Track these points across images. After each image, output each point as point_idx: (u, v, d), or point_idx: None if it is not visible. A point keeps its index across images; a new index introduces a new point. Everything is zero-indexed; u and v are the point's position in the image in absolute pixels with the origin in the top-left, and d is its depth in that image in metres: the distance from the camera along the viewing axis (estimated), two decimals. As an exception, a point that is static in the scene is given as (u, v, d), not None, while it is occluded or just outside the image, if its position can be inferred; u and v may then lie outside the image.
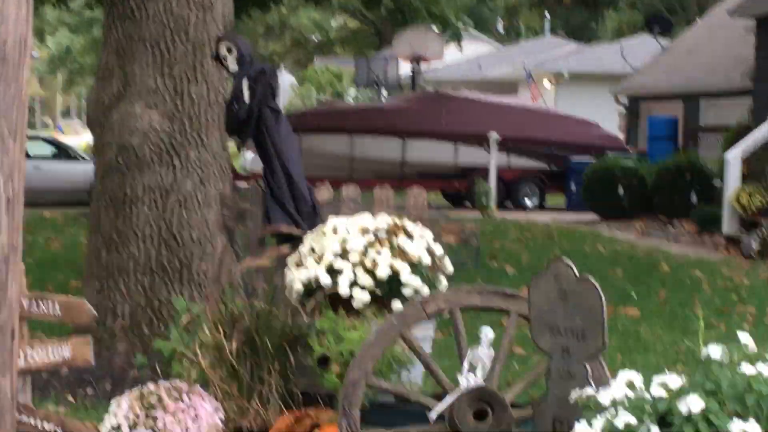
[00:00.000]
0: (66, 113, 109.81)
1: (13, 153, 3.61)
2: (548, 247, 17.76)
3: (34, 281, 12.09)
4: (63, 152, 28.15)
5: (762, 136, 18.31)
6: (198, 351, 5.89)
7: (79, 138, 54.96)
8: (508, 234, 20.00)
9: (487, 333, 5.33)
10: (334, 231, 6.08)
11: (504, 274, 14.00)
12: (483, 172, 27.39)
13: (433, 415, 5.20)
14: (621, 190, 23.82)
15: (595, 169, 24.65)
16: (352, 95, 52.75)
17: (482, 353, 5.29)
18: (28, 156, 27.13)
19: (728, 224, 18.25)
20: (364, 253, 5.93)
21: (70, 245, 16.34)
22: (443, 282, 6.21)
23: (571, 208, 27.08)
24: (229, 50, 7.29)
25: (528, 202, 28.81)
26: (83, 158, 27.40)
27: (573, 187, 27.26)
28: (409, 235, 6.11)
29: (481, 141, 27.58)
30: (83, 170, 24.81)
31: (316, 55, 58.35)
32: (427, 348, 5.90)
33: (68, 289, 11.00)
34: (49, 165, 27.10)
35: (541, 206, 28.72)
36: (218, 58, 7.43)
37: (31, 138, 30.18)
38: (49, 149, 28.68)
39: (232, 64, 7.26)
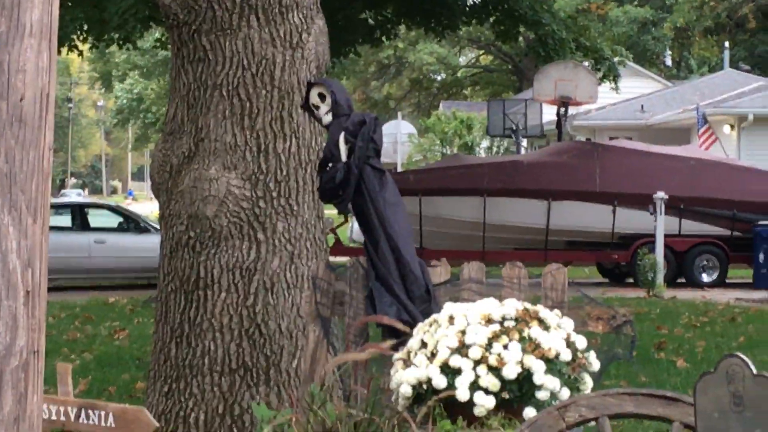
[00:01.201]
0: (138, 175, 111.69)
1: (33, 234, 3.57)
2: (731, 334, 17.51)
3: (93, 382, 12.30)
4: (132, 222, 28.49)
5: None
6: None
7: (154, 205, 55.82)
8: (679, 318, 19.78)
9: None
10: (451, 320, 6.04)
11: (674, 369, 13.84)
12: (648, 240, 27.20)
13: None
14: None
15: (789, 235, 24.43)
16: (484, 147, 52.88)
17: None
18: (89, 228, 27.69)
19: None
20: (488, 347, 5.88)
21: (138, 337, 16.51)
22: (588, 383, 6.13)
23: (759, 285, 26.72)
24: (322, 97, 7.31)
25: (705, 277, 28.50)
26: (156, 229, 27.72)
27: (762, 257, 26.93)
28: (545, 325, 6.05)
29: (646, 202, 27.37)
30: (156, 244, 24.94)
31: (440, 98, 58.69)
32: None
33: (133, 392, 11.09)
34: (114, 239, 27.49)
35: (721, 282, 28.37)
36: (309, 108, 7.46)
37: (93, 206, 30.74)
38: (114, 219, 29.05)
39: (326, 115, 7.28)
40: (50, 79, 3.56)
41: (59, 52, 23.93)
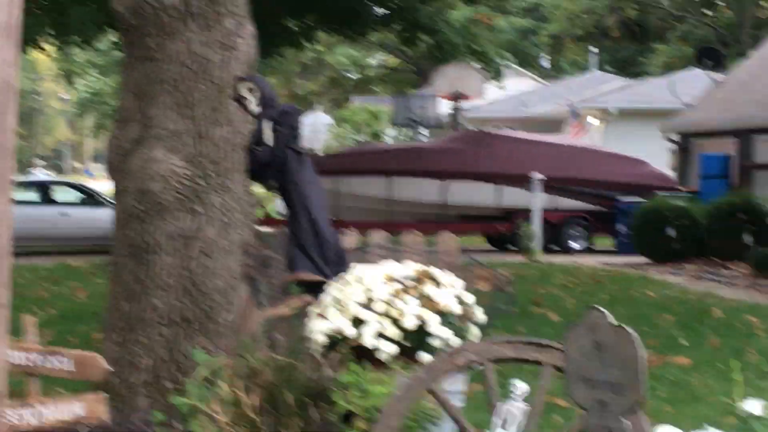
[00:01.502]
0: (96, 157, 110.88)
1: None
2: (595, 292, 17.68)
3: (57, 334, 12.17)
4: (90, 198, 28.25)
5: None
6: (216, 407, 5.85)
7: (109, 183, 55.26)
8: (552, 278, 19.93)
9: (520, 386, 5.27)
10: (359, 280, 6.04)
11: (548, 322, 13.94)
12: (527, 214, 27.35)
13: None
14: (672, 232, 23.72)
15: (645, 209, 24.62)
16: (390, 135, 52.81)
17: (514, 407, 5.24)
18: (54, 202, 27.46)
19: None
20: (390, 302, 5.89)
21: (95, 295, 16.33)
22: (475, 332, 6.15)
23: (619, 251, 26.97)
24: (251, 91, 7.28)
25: (574, 244, 28.75)
26: (111, 204, 27.48)
27: (621, 228, 27.17)
28: (438, 283, 6.07)
29: (525, 181, 27.53)
30: (110, 216, 24.73)
31: (353, 94, 58.56)
32: (457, 402, 5.84)
33: (92, 342, 10.99)
34: (75, 211, 27.26)
35: (588, 249, 28.63)
36: (239, 100, 7.41)
37: (58, 183, 30.46)
38: (75, 195, 28.82)
39: (254, 106, 7.24)
40: (13, 72, 3.52)
41: (26, 51, 23.71)
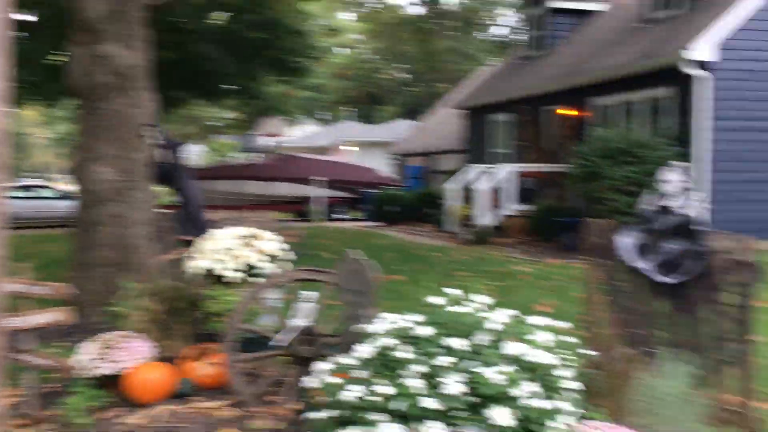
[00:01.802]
0: (66, 171, 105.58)
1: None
2: (351, 241, 17.69)
3: (44, 275, 11.51)
4: (64, 194, 26.97)
5: (467, 176, 18.72)
6: (137, 313, 5.68)
7: (74, 186, 52.48)
8: (329, 235, 19.90)
9: (311, 295, 5.27)
10: (217, 237, 5.93)
11: (326, 258, 13.93)
12: (315, 200, 27.40)
13: (281, 343, 5.11)
14: (395, 207, 24.05)
15: (380, 196, 24.89)
16: (238, 157, 51.89)
17: (308, 306, 5.23)
18: (38, 197, 26.06)
19: (449, 225, 18.59)
20: (236, 249, 5.80)
21: (64, 251, 15.52)
22: (289, 266, 6.12)
23: (365, 219, 27.19)
24: (154, 131, 7.06)
25: (342, 216, 28.81)
26: (74, 197, 26.19)
27: (367, 207, 27.42)
28: (265, 239, 6.01)
29: (314, 181, 27.61)
30: (74, 205, 23.75)
31: (215, 134, 57.17)
32: (276, 305, 5.80)
33: (63, 279, 10.44)
34: (50, 202, 26.06)
35: (349, 219, 28.75)
36: (147, 137, 7.19)
37: (39, 186, 28.89)
38: (51, 192, 27.45)
39: (156, 141, 7.03)
40: (8, 121, 3.28)
41: (20, 107, 22.34)
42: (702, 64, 13.90)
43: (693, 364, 4.31)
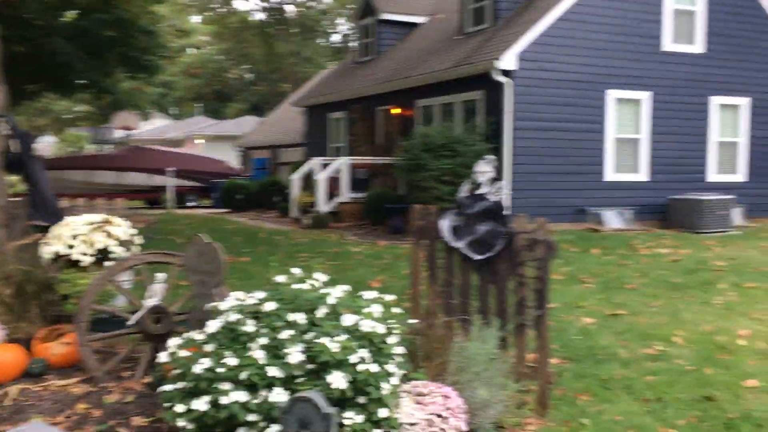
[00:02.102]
0: None
1: None
2: (202, 226, 17.28)
3: None
4: None
5: (308, 168, 18.74)
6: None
7: None
8: (179, 221, 19.32)
9: (161, 276, 5.10)
10: (69, 223, 5.60)
11: (175, 243, 13.51)
12: (167, 189, 26.49)
13: (131, 322, 4.92)
14: (240, 195, 23.67)
15: (227, 185, 24.40)
16: (90, 149, 49.11)
17: (158, 287, 5.06)
18: None
19: (293, 211, 18.55)
20: (87, 234, 5.50)
21: None
22: (135, 249, 5.87)
23: (214, 206, 26.62)
24: (6, 123, 6.54)
25: (192, 203, 28.02)
26: None
27: (215, 195, 26.84)
28: (115, 224, 5.73)
29: (165, 172, 26.66)
30: None
31: (68, 126, 53.78)
32: (127, 286, 5.56)
33: None
34: None
35: (199, 206, 28.03)
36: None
37: None
38: None
39: (8, 132, 6.52)
40: None
41: None
42: (507, 72, 14.65)
43: (499, 328, 4.55)
